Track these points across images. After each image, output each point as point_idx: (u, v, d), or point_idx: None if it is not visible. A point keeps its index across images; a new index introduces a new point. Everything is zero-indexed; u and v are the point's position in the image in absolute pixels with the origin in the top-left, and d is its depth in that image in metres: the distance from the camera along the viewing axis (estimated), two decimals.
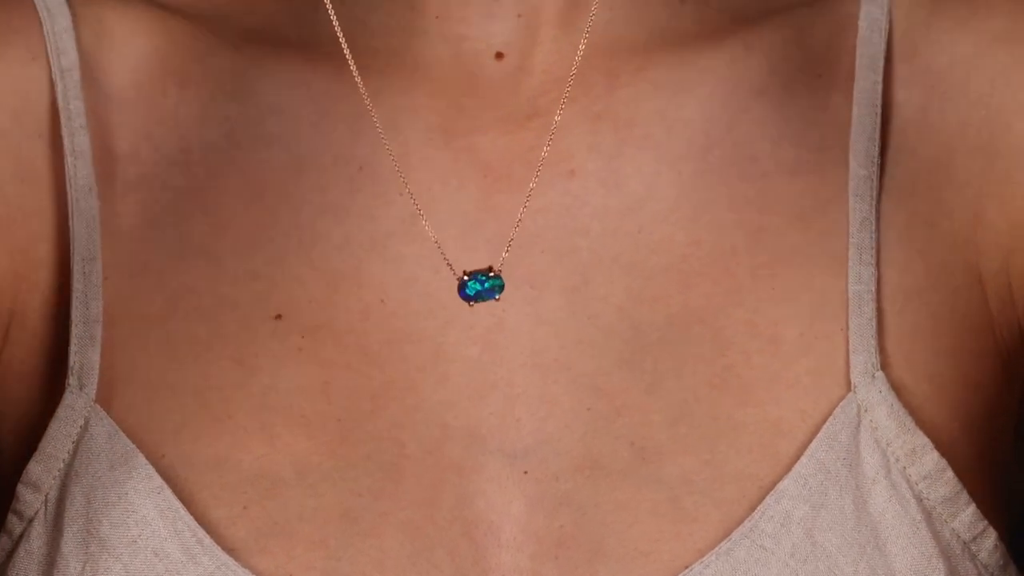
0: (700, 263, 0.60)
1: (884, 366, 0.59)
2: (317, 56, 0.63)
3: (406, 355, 0.61)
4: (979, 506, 0.60)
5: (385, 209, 0.62)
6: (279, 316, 0.60)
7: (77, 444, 0.59)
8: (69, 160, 0.61)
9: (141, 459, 0.58)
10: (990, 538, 0.60)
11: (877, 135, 0.60)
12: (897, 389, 0.59)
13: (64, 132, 0.61)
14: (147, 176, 0.62)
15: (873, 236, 0.59)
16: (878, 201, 0.60)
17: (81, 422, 0.59)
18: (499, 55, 0.62)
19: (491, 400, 0.60)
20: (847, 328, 0.59)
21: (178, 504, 0.58)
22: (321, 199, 0.62)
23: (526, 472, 0.58)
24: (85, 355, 0.60)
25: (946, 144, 0.60)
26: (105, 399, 0.60)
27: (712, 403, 0.58)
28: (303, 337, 0.60)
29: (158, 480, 0.58)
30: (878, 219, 0.59)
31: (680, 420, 0.58)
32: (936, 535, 0.58)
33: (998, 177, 0.59)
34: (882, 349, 0.59)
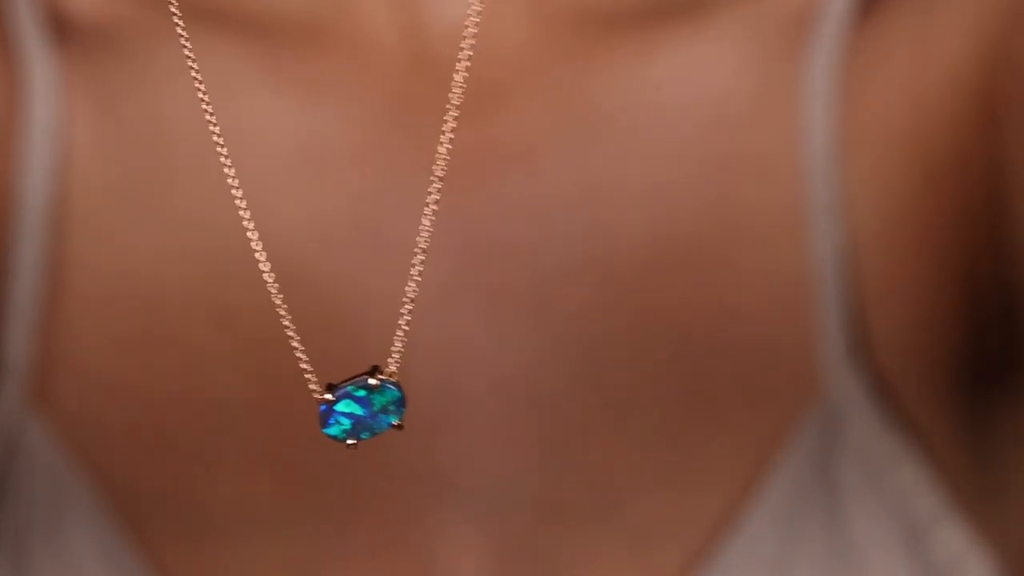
0: (670, 257, 0.58)
1: (862, 347, 0.57)
2: (256, 30, 0.59)
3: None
4: (970, 522, 0.57)
5: (333, 201, 0.58)
6: (224, 318, 0.57)
7: (8, 454, 0.56)
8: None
9: (79, 487, 0.56)
10: (981, 561, 0.57)
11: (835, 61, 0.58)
12: (877, 374, 0.57)
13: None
14: (103, 112, 0.58)
15: (834, 181, 0.58)
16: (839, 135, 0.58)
17: (12, 426, 0.57)
18: (454, 32, 0.56)
19: (449, 434, 0.56)
20: (817, 309, 0.57)
21: (121, 547, 0.55)
22: (264, 179, 0.57)
23: (486, 517, 0.56)
24: (19, 344, 0.57)
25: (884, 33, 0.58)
26: (40, 398, 0.57)
27: (678, 429, 0.56)
28: (249, 346, 0.56)
29: (99, 518, 0.56)
30: (839, 159, 0.58)
31: (644, 451, 0.56)
32: (920, 556, 0.56)
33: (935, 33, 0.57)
34: (859, 324, 0.57)
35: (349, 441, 0.37)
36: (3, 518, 0.56)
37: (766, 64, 0.58)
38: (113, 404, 0.57)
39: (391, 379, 0.37)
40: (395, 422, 0.37)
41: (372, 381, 0.37)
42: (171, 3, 0.44)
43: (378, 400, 0.37)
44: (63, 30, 0.58)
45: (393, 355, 0.39)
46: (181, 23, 0.43)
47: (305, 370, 0.39)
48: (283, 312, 0.41)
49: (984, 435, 0.59)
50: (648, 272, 0.57)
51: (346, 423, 0.37)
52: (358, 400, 0.37)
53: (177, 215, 0.58)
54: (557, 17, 0.58)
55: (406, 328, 0.40)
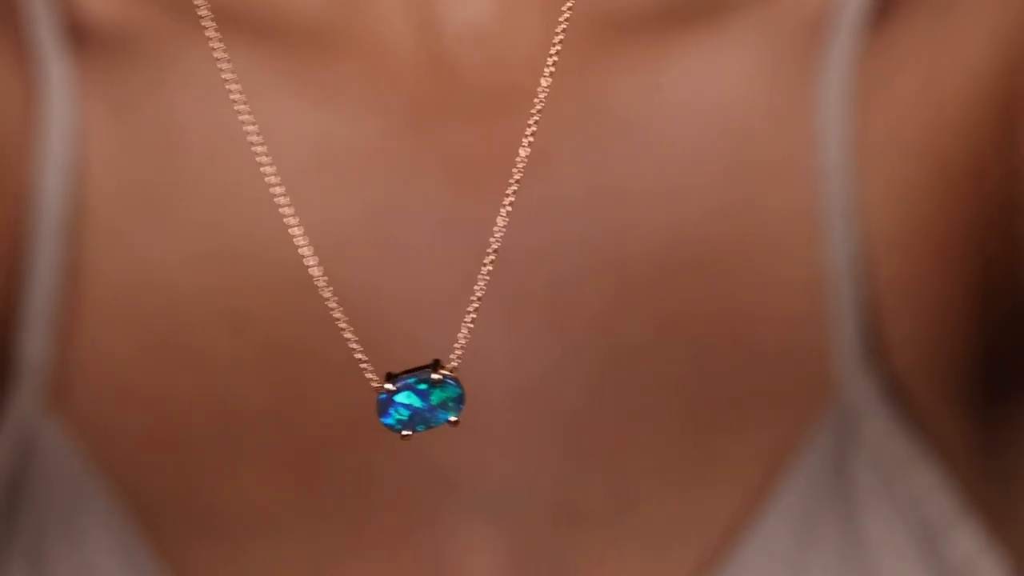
0: (686, 261, 0.58)
1: (877, 351, 0.57)
2: (269, 34, 0.59)
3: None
4: (984, 524, 0.57)
5: (348, 204, 0.58)
6: (239, 322, 0.57)
7: (25, 456, 0.56)
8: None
9: (95, 488, 0.56)
10: (996, 563, 0.57)
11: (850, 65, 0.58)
12: (892, 377, 0.57)
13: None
14: (120, 113, 0.58)
15: (849, 185, 0.57)
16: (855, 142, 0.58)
17: (29, 428, 0.56)
18: (471, 36, 0.58)
19: (464, 437, 0.55)
20: (832, 313, 0.57)
21: (137, 546, 0.55)
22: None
23: (502, 519, 0.56)
24: (37, 348, 0.56)
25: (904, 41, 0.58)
26: (58, 400, 0.57)
27: (692, 433, 0.56)
28: (264, 351, 0.56)
29: (115, 519, 0.56)
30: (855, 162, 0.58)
31: (662, 456, 0.56)
32: (935, 558, 0.56)
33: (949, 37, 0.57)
34: (874, 328, 0.57)
35: (404, 432, 0.37)
36: (20, 518, 0.56)
37: (781, 70, 0.58)
38: (129, 407, 0.56)
39: (452, 375, 0.37)
40: (452, 418, 0.37)
41: (435, 376, 0.37)
42: (198, 6, 0.43)
43: (437, 395, 0.37)
44: (80, 35, 0.58)
45: (455, 351, 0.39)
46: (213, 24, 0.43)
47: (360, 360, 0.39)
48: (333, 306, 0.41)
49: (998, 437, 0.59)
50: (664, 276, 0.57)
51: (404, 414, 0.37)
52: (418, 393, 0.37)
53: (193, 220, 0.57)
54: (572, 22, 0.58)
55: (471, 325, 0.40)
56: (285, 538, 0.56)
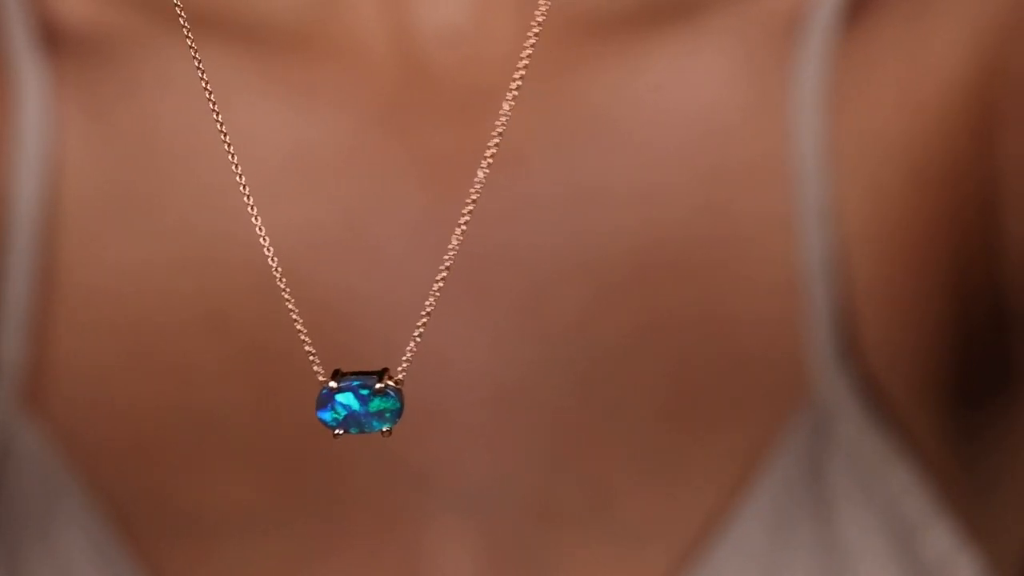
0: (661, 262, 0.58)
1: (851, 351, 0.57)
2: (245, 36, 0.59)
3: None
4: (959, 523, 0.57)
5: (323, 207, 0.58)
6: (216, 324, 0.57)
7: (1, 456, 0.56)
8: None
9: (71, 488, 0.56)
10: (970, 561, 0.57)
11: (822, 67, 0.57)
12: (866, 378, 0.57)
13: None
14: (97, 114, 0.58)
15: (824, 187, 0.57)
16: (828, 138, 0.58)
17: (4, 427, 0.56)
18: (446, 37, 0.58)
19: (441, 436, 0.57)
20: (806, 314, 0.57)
21: (113, 547, 0.55)
22: (253, 182, 0.54)
23: (479, 517, 0.56)
24: (11, 349, 0.57)
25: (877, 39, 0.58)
26: (33, 400, 0.57)
27: (670, 433, 0.57)
28: (241, 351, 0.57)
29: (91, 519, 0.56)
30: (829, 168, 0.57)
31: (638, 456, 0.57)
32: (910, 557, 0.56)
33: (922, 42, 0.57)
34: (849, 329, 0.57)
35: (337, 431, 0.38)
36: None
37: (755, 72, 0.58)
38: (104, 408, 0.57)
39: (397, 387, 0.38)
40: (385, 428, 0.38)
41: (378, 384, 0.38)
42: (177, 5, 0.43)
43: (377, 403, 0.38)
44: (54, 38, 0.58)
45: (403, 364, 0.39)
46: (187, 26, 0.42)
47: (310, 353, 0.40)
48: (287, 297, 0.41)
49: (972, 437, 0.58)
50: (640, 276, 0.57)
51: (341, 413, 0.38)
52: (359, 397, 0.38)
53: (168, 223, 0.57)
54: (545, 24, 0.58)
55: (418, 340, 0.40)
56: (261, 537, 0.56)
